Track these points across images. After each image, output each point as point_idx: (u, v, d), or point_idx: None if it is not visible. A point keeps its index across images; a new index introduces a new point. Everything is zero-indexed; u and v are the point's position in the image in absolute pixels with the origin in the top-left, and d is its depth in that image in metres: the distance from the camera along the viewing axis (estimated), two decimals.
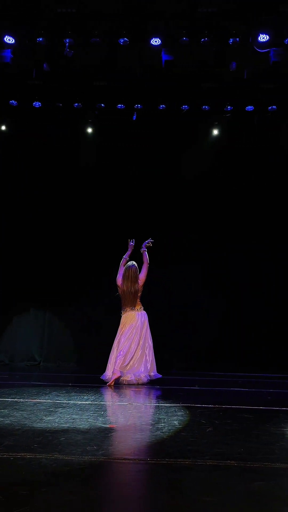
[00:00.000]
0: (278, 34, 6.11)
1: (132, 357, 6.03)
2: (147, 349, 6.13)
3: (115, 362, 5.96)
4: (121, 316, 6.28)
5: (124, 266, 6.32)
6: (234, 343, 8.17)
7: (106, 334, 7.31)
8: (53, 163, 8.64)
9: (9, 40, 6.24)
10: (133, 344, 6.06)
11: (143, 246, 6.40)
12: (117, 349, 6.04)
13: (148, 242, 6.41)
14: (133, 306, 6.23)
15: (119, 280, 6.28)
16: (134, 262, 6.35)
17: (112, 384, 5.77)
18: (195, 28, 6.16)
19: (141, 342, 6.11)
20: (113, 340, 6.19)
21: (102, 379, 5.99)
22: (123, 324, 6.17)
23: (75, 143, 8.59)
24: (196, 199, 8.54)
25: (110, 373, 5.97)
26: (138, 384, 5.91)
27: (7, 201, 8.62)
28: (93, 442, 2.84)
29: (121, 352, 5.98)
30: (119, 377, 5.89)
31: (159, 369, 6.26)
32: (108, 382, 5.81)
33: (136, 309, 6.23)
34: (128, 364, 6.00)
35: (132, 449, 2.78)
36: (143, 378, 5.98)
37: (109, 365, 6.03)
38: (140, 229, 7.55)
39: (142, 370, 6.02)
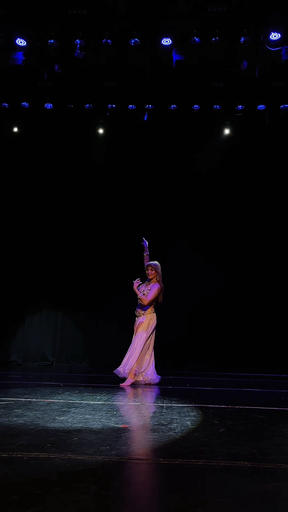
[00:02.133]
0: None
1: (151, 357, 6.05)
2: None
3: (142, 362, 5.94)
4: (142, 317, 6.13)
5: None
6: (246, 343, 8.12)
7: (118, 334, 7.34)
8: (66, 164, 8.66)
9: (20, 42, 6.29)
10: (151, 345, 6.09)
11: (146, 250, 6.42)
12: (148, 350, 5.99)
13: (146, 243, 6.43)
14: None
15: (157, 291, 6.10)
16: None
17: (128, 385, 5.79)
18: (206, 28, 6.14)
19: (152, 343, 6.12)
20: (129, 340, 6.15)
21: (117, 375, 5.99)
22: (150, 326, 6.08)
23: (86, 144, 8.62)
24: (205, 200, 8.52)
25: (127, 370, 5.96)
26: (150, 384, 5.92)
27: (21, 203, 8.67)
28: (106, 442, 2.85)
29: (142, 353, 5.97)
30: (136, 379, 5.91)
31: (170, 369, 6.24)
32: (124, 381, 5.84)
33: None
34: (147, 365, 6.01)
35: (145, 449, 2.79)
36: (155, 378, 6.00)
37: (132, 364, 5.95)
38: (150, 230, 7.55)
39: (154, 371, 6.05)
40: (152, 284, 6.14)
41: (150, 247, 6.54)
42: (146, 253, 6.44)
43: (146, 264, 6.34)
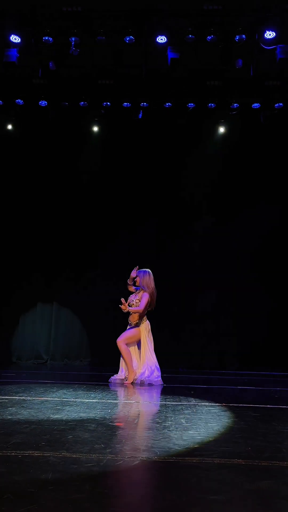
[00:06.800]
0: (284, 31, 6.08)
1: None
2: None
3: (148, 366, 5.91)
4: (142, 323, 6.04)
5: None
6: (239, 341, 8.15)
7: (113, 333, 7.32)
8: (60, 161, 8.65)
9: (15, 39, 6.26)
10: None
11: (131, 279, 6.19)
12: (147, 354, 5.93)
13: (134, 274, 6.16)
14: None
15: (150, 295, 5.98)
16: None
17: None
18: (201, 26, 6.14)
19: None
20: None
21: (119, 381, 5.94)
22: (148, 331, 6.02)
23: (80, 141, 8.60)
24: (200, 199, 8.54)
25: (125, 374, 5.96)
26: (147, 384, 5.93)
27: (15, 199, 8.65)
28: (100, 440, 2.85)
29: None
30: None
31: (168, 367, 6.21)
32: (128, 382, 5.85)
33: None
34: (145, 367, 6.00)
35: (140, 447, 2.79)
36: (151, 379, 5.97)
37: (132, 368, 5.93)
38: (147, 228, 7.53)
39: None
40: (142, 293, 5.97)
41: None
42: (130, 283, 6.19)
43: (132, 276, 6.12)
